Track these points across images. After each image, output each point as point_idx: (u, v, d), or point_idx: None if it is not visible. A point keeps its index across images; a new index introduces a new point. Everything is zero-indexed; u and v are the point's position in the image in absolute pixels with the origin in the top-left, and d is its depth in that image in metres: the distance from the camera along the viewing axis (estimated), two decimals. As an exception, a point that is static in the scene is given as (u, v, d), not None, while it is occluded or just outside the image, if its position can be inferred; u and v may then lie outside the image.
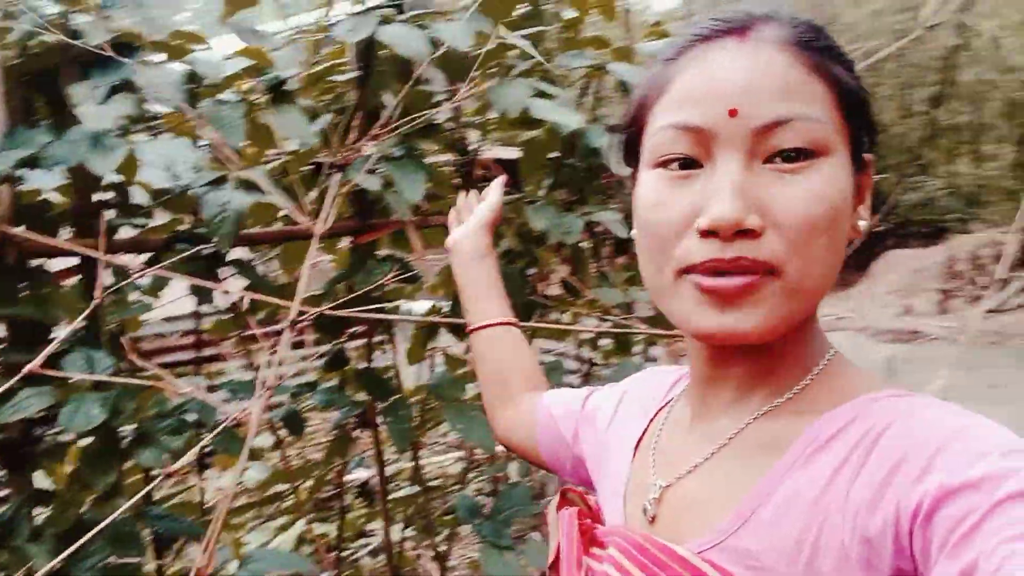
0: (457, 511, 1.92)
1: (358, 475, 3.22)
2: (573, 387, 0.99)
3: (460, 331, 2.17)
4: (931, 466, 0.50)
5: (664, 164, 0.62)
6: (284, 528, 2.87)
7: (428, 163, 1.79)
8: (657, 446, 0.74)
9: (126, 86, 1.37)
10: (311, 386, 1.85)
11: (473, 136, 2.13)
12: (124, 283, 1.28)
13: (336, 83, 1.79)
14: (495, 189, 1.14)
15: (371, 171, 1.63)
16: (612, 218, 1.94)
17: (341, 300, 1.77)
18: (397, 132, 1.70)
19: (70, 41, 1.31)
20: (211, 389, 1.50)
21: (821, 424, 0.59)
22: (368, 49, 1.73)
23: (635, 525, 0.70)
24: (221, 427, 1.13)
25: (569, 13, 2.29)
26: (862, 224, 0.64)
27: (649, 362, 2.63)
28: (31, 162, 1.30)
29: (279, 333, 1.30)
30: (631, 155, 0.69)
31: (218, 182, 1.40)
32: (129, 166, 1.62)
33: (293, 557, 1.44)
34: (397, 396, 1.78)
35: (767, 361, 0.65)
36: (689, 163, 0.61)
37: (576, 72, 2.29)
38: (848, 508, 0.54)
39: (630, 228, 0.70)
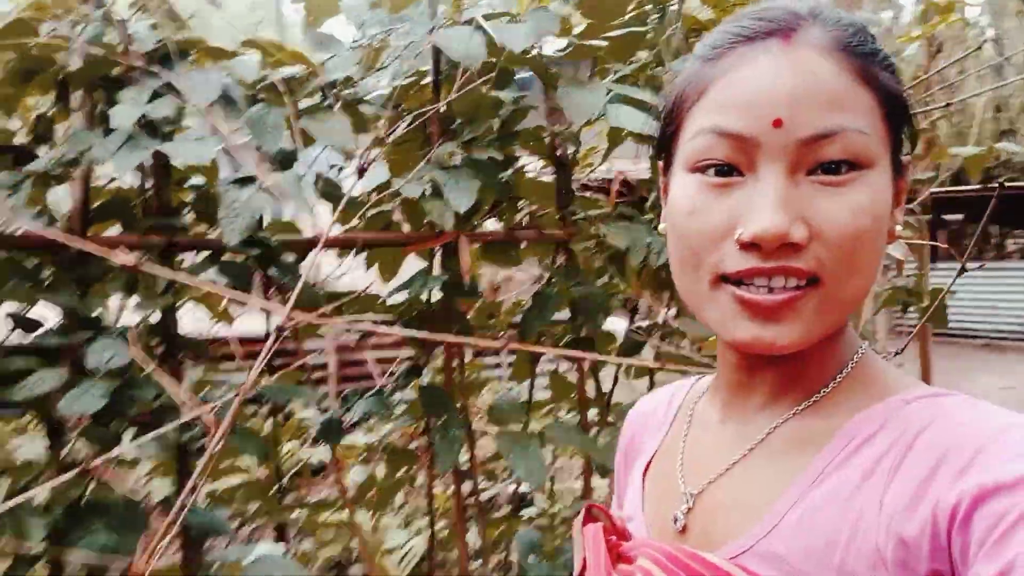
0: (515, 541, 1.80)
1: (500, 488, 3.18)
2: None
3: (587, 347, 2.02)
4: (969, 467, 0.50)
5: (702, 169, 0.60)
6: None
7: (499, 172, 1.70)
8: (683, 456, 0.72)
9: (168, 89, 1.43)
10: (378, 393, 1.82)
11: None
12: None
13: (412, 90, 1.75)
14: None
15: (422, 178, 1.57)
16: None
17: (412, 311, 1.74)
18: (454, 139, 1.63)
19: (114, 49, 1.39)
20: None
21: (853, 426, 0.59)
22: (437, 54, 1.67)
23: (663, 535, 0.70)
24: (172, 424, 1.13)
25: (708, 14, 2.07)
26: (898, 229, 0.63)
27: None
28: (73, 162, 1.40)
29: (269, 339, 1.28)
30: (663, 152, 0.68)
31: (244, 182, 1.42)
32: (211, 169, 1.71)
33: (291, 564, 1.41)
34: (449, 414, 1.70)
35: (800, 365, 0.64)
36: (728, 169, 0.59)
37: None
38: (884, 510, 0.53)
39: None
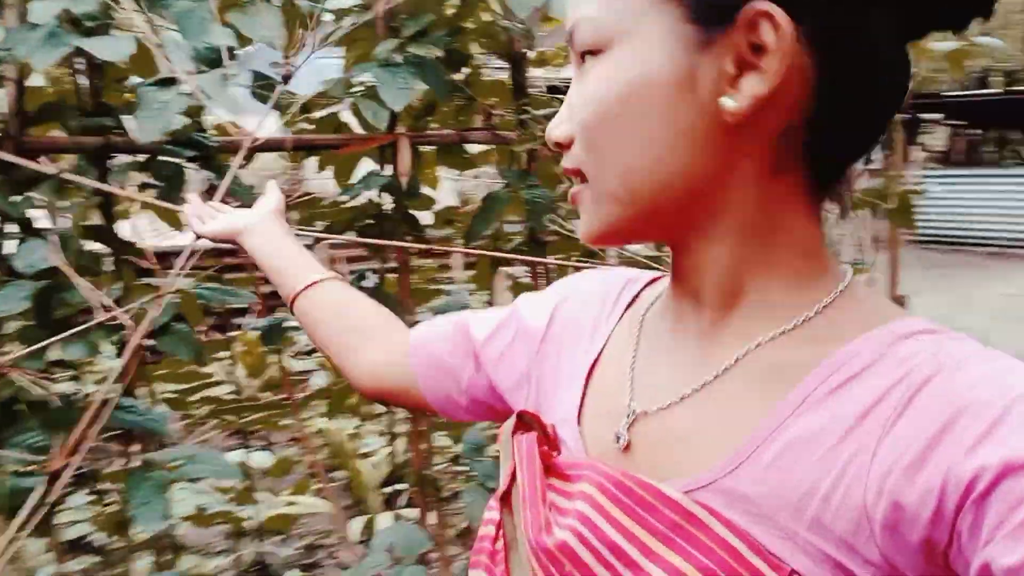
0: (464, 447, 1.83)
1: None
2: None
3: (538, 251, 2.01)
4: (990, 435, 0.45)
5: None
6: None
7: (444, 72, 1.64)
8: (634, 366, 0.65)
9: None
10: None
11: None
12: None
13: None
14: (273, 188, 1.10)
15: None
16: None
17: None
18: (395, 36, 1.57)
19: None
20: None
21: (840, 357, 0.53)
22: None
23: (603, 454, 0.63)
24: (85, 326, 1.14)
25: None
26: (729, 104, 0.51)
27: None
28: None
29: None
30: None
31: (166, 83, 1.38)
32: (145, 63, 1.66)
33: (225, 463, 1.45)
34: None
35: (718, 272, 0.58)
36: None
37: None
38: (876, 465, 0.48)
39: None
